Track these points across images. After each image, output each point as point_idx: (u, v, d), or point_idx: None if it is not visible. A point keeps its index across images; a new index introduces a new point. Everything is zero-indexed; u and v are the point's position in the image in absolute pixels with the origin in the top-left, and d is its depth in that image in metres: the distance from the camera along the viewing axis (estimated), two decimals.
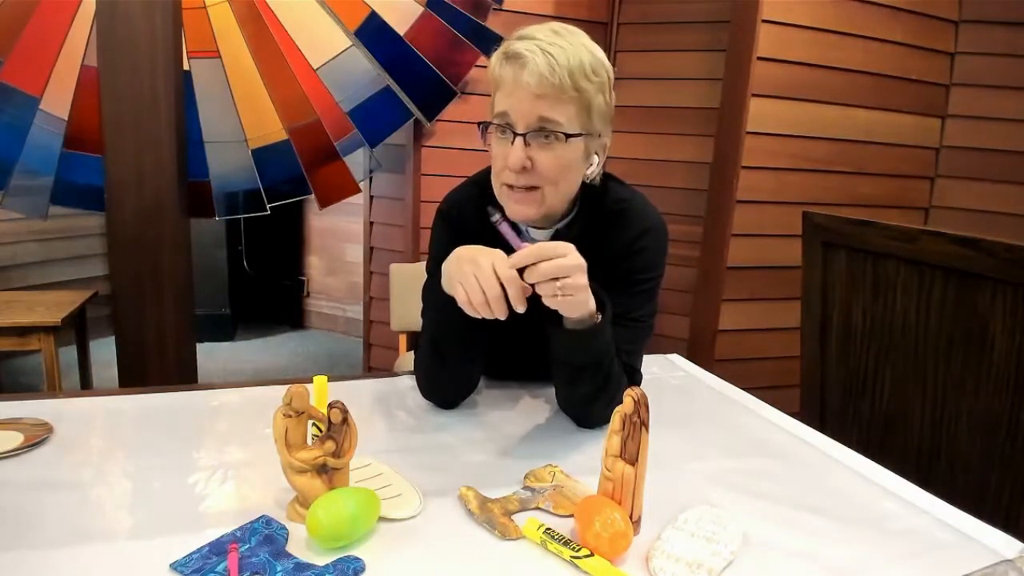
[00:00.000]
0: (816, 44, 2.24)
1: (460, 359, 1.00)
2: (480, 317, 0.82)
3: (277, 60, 2.45)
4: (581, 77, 0.87)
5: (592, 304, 0.86)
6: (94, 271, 3.57)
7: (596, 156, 0.96)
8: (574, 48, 0.87)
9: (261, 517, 0.71)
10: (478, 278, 0.81)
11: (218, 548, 0.65)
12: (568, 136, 0.89)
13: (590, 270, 0.86)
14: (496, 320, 0.83)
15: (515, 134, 0.89)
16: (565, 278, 0.80)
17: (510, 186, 0.92)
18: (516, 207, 0.94)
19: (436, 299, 0.94)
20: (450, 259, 0.88)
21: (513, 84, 0.87)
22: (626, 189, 1.05)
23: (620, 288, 0.94)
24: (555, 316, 0.88)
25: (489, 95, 0.95)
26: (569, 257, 0.81)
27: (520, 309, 0.81)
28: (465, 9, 2.45)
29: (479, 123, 0.94)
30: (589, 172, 0.97)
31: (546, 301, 0.82)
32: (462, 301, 0.82)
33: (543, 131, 0.88)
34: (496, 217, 0.90)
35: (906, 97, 2.39)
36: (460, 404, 1.05)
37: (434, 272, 1.05)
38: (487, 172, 1.04)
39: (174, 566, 0.63)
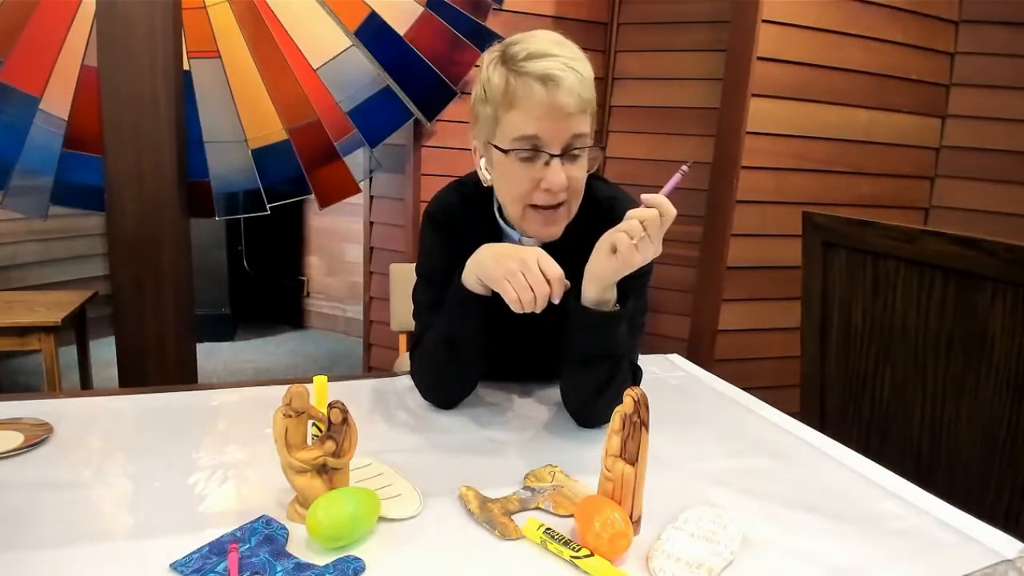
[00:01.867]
0: (816, 44, 2.24)
1: (475, 357, 1.00)
2: (523, 312, 0.85)
3: (277, 60, 2.45)
4: (593, 88, 0.91)
5: (614, 293, 0.89)
6: (94, 271, 3.57)
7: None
8: (582, 59, 0.90)
9: (261, 517, 0.71)
10: (526, 276, 0.83)
11: (218, 548, 0.65)
12: (591, 147, 0.92)
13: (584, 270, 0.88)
14: (515, 317, 0.86)
15: (551, 155, 0.89)
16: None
17: (535, 206, 0.93)
18: (546, 228, 0.95)
19: (459, 295, 0.94)
20: (484, 257, 0.90)
21: (548, 106, 0.87)
22: (611, 187, 1.06)
23: None
24: (576, 297, 0.90)
25: None
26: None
27: (556, 301, 0.85)
28: (465, 9, 2.46)
29: (505, 150, 0.91)
30: None
31: (618, 239, 0.83)
32: (511, 299, 0.84)
33: (572, 147, 0.90)
34: None
35: (906, 97, 2.39)
36: (459, 404, 1.05)
37: (429, 275, 1.05)
38: (469, 179, 1.05)
39: (174, 566, 0.63)
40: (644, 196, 0.83)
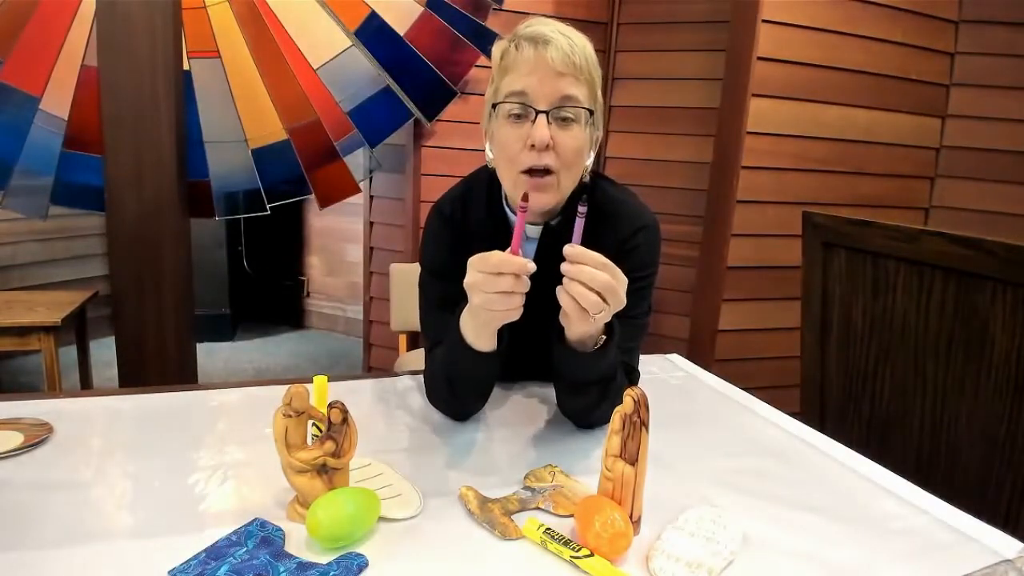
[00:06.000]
0: (816, 44, 2.24)
1: (477, 395, 0.99)
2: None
3: (277, 60, 2.45)
4: (592, 64, 0.92)
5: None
6: (94, 271, 3.57)
7: (591, 150, 0.97)
8: (581, 36, 0.92)
9: (255, 520, 0.70)
10: (497, 296, 0.77)
11: (215, 553, 0.65)
12: (589, 112, 0.91)
13: None
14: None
15: (537, 112, 0.89)
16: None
17: (528, 172, 0.91)
18: (536, 196, 0.92)
19: (455, 339, 0.90)
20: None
21: (535, 63, 0.88)
22: (617, 188, 1.06)
23: None
24: (559, 334, 0.87)
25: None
26: (616, 279, 0.78)
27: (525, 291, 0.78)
28: (465, 9, 2.46)
29: (493, 104, 0.93)
30: (587, 165, 0.97)
31: (569, 306, 0.78)
32: (500, 318, 0.81)
33: (563, 109, 0.89)
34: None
35: (906, 97, 2.39)
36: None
37: (434, 268, 1.04)
38: (478, 174, 1.05)
39: (173, 573, 0.62)
40: (567, 250, 0.76)
